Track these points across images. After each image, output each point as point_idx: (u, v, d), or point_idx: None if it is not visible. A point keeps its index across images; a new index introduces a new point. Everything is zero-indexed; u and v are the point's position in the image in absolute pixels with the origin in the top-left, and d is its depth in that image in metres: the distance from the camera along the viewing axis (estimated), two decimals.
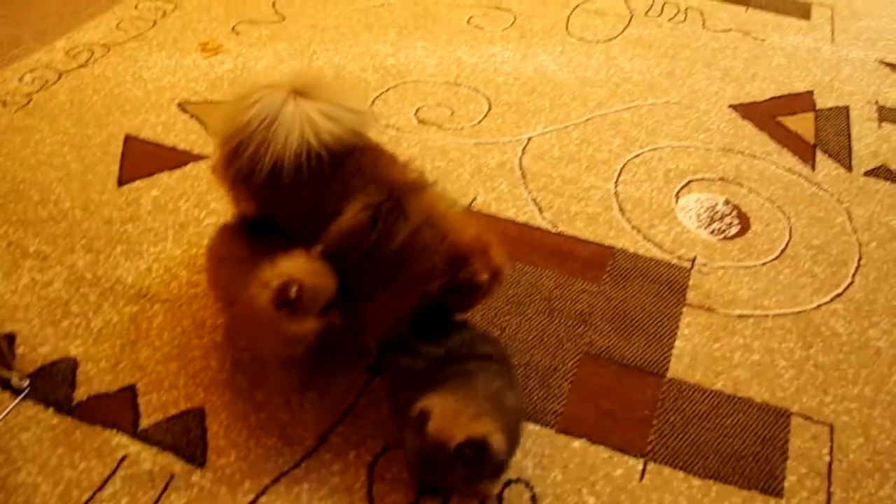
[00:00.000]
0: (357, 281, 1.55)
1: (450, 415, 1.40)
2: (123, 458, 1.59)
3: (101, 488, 1.54)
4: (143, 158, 2.39)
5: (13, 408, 1.68)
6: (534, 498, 1.57)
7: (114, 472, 1.57)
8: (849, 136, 2.70)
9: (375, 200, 1.55)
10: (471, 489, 1.56)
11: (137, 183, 2.29)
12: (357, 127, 1.68)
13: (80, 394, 1.71)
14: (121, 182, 2.30)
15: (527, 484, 1.59)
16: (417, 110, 2.67)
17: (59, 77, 2.78)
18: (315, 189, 1.61)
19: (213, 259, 1.76)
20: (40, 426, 1.65)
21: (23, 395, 1.70)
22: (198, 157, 2.40)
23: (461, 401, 1.42)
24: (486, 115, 2.67)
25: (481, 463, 1.41)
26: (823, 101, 2.88)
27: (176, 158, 2.39)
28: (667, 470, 1.63)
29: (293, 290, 1.42)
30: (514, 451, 1.52)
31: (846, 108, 2.85)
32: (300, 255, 1.49)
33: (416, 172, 1.67)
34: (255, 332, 1.57)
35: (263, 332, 1.53)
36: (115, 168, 2.35)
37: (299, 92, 1.64)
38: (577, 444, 1.67)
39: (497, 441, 1.38)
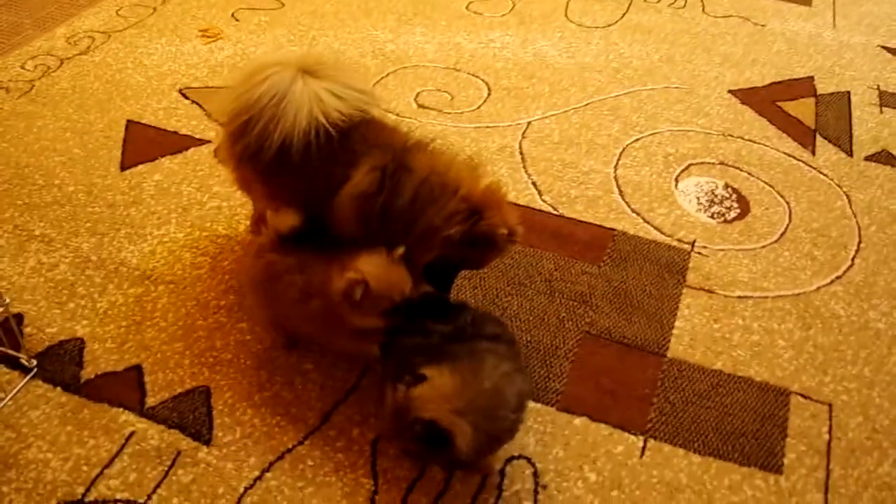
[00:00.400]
0: (378, 243, 1.57)
1: (438, 392, 1.37)
2: (131, 435, 1.61)
3: (109, 464, 1.56)
4: (145, 143, 2.41)
5: (22, 387, 1.70)
6: (535, 474, 1.59)
7: (122, 449, 1.59)
8: (850, 121, 2.71)
9: (380, 163, 1.58)
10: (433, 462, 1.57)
11: (140, 167, 2.31)
12: (363, 106, 1.69)
13: (88, 373, 1.73)
14: (123, 167, 2.31)
15: (528, 460, 1.61)
16: (417, 95, 2.68)
17: (61, 64, 2.79)
18: (323, 163, 1.63)
19: (256, 277, 1.71)
20: (49, 404, 1.67)
21: (31, 374, 1.72)
22: (199, 142, 2.41)
23: (461, 387, 1.38)
24: (485, 100, 2.68)
25: (432, 448, 1.39)
26: (824, 87, 2.89)
27: (178, 143, 2.41)
28: (667, 447, 1.66)
29: (358, 290, 1.47)
30: (491, 450, 1.53)
31: (847, 94, 2.86)
32: (379, 256, 1.53)
33: (419, 137, 1.69)
34: (327, 321, 1.59)
35: (334, 323, 1.57)
36: (118, 153, 2.37)
37: (307, 71, 1.65)
38: (578, 421, 1.69)
39: (463, 443, 1.34)
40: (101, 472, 1.55)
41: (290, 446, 1.62)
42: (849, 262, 2.14)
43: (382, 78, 2.77)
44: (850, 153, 2.55)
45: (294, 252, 1.63)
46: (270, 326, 1.80)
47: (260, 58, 1.70)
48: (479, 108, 2.64)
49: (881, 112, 2.77)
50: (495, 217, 1.55)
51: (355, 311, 1.51)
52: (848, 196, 2.37)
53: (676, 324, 1.92)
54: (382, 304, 1.51)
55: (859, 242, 2.20)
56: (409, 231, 1.57)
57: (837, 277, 2.09)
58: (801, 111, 2.74)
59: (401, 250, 1.54)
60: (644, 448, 1.65)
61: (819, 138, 2.61)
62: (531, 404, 1.69)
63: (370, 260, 1.51)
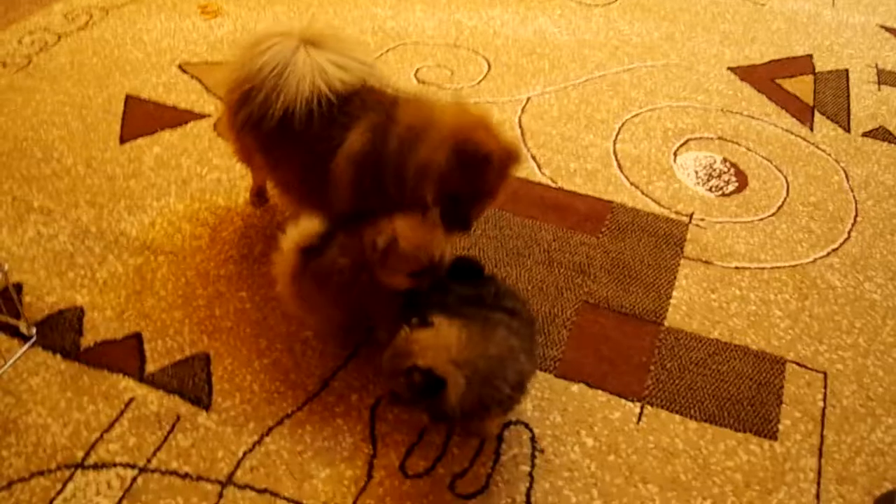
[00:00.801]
0: (382, 201, 1.58)
1: (441, 341, 1.35)
2: (130, 401, 1.63)
3: (109, 428, 1.57)
4: (144, 117, 2.41)
5: (22, 354, 1.71)
6: (533, 439, 1.60)
7: (121, 414, 1.60)
8: (848, 98, 2.72)
9: (373, 123, 1.60)
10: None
11: (139, 141, 2.31)
12: (365, 77, 1.70)
13: (87, 340, 1.74)
14: (122, 140, 2.31)
15: (526, 425, 1.62)
16: (417, 71, 2.68)
17: (59, 39, 2.79)
18: (323, 127, 1.64)
19: (304, 293, 1.63)
20: (49, 371, 1.68)
21: (31, 342, 1.73)
22: (199, 116, 2.41)
23: (466, 344, 1.36)
24: (485, 76, 2.68)
25: (421, 394, 1.34)
26: (823, 65, 2.89)
27: (177, 117, 2.41)
28: (663, 413, 1.67)
29: (381, 240, 1.49)
30: (480, 415, 1.48)
31: (846, 71, 2.86)
32: (412, 218, 1.54)
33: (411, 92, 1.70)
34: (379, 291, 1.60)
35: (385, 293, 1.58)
36: (117, 126, 2.37)
37: (309, 41, 1.66)
38: (575, 388, 1.70)
39: (454, 394, 1.32)
40: (101, 437, 1.56)
41: (289, 412, 1.63)
42: (845, 235, 2.14)
43: (382, 54, 2.77)
44: (847, 129, 2.56)
45: (328, 246, 1.61)
46: (330, 331, 1.78)
47: (261, 29, 1.70)
48: (478, 83, 2.64)
49: (879, 90, 2.78)
50: (480, 135, 1.54)
51: (384, 269, 1.52)
52: (845, 171, 2.37)
53: (674, 293, 1.93)
54: (411, 264, 1.52)
55: (856, 216, 2.21)
56: (402, 178, 1.57)
57: (834, 250, 2.10)
58: (799, 88, 2.74)
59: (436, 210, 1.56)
60: (641, 414, 1.67)
61: (817, 115, 2.61)
62: None
63: (403, 220, 1.53)
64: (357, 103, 1.64)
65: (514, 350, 1.43)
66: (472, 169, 1.54)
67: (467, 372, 1.34)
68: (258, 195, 2.10)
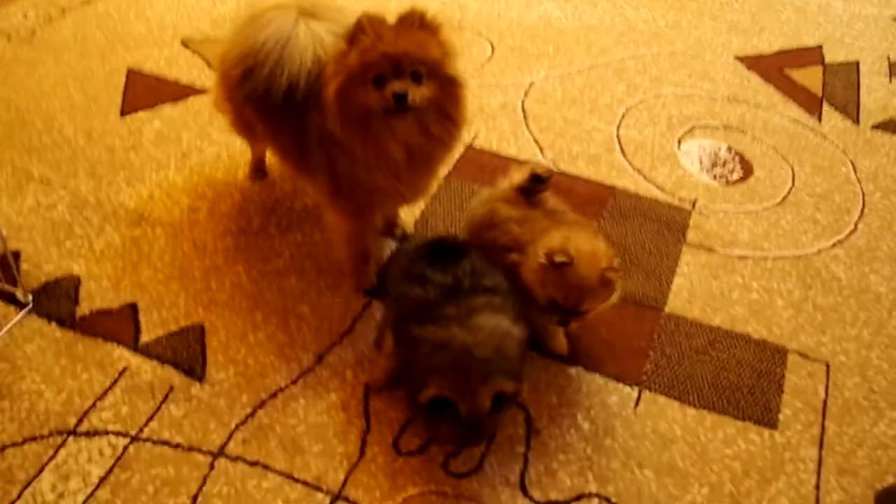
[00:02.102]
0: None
1: (465, 390, 1.34)
2: (124, 370, 1.62)
3: (102, 397, 1.57)
4: (145, 91, 2.39)
5: (18, 320, 1.70)
6: (528, 419, 1.59)
7: (115, 383, 1.59)
8: (858, 90, 2.69)
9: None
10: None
11: (140, 114, 2.30)
12: None
13: (83, 309, 1.73)
14: (123, 112, 2.30)
15: (521, 406, 1.61)
16: None
17: (63, 13, 2.77)
18: (319, 94, 1.59)
19: (476, 221, 1.76)
20: (44, 339, 1.67)
21: (27, 309, 1.72)
22: (200, 91, 2.40)
23: (466, 370, 1.36)
24: (489, 59, 2.66)
25: (507, 405, 1.39)
26: (833, 56, 2.86)
27: (178, 91, 2.39)
28: (661, 399, 1.65)
29: (558, 257, 1.46)
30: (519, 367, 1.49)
31: (856, 63, 2.83)
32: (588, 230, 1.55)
33: None
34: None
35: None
36: (118, 99, 2.36)
37: (307, 12, 1.63)
38: (573, 370, 1.69)
39: (508, 386, 1.36)
40: (94, 405, 1.55)
41: (282, 385, 1.62)
42: (851, 227, 2.12)
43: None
44: (856, 121, 2.53)
45: (519, 206, 1.66)
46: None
47: (258, 3, 1.68)
48: (482, 66, 2.62)
49: (890, 82, 2.74)
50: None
51: (542, 286, 1.51)
52: (853, 163, 2.35)
53: (675, 280, 1.91)
54: (572, 297, 1.50)
55: (863, 208, 2.19)
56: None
57: (839, 241, 2.07)
58: (808, 79, 2.71)
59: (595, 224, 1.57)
60: (638, 399, 1.65)
61: (826, 106, 2.58)
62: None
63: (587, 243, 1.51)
64: None
65: (505, 333, 1.43)
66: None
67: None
68: (257, 169, 2.09)
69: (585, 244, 1.50)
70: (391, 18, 1.48)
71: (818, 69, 2.77)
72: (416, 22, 1.48)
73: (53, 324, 1.70)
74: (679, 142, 2.36)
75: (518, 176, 1.71)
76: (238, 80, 1.68)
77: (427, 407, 1.35)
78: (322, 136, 1.57)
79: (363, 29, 1.46)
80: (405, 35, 1.47)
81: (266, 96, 1.62)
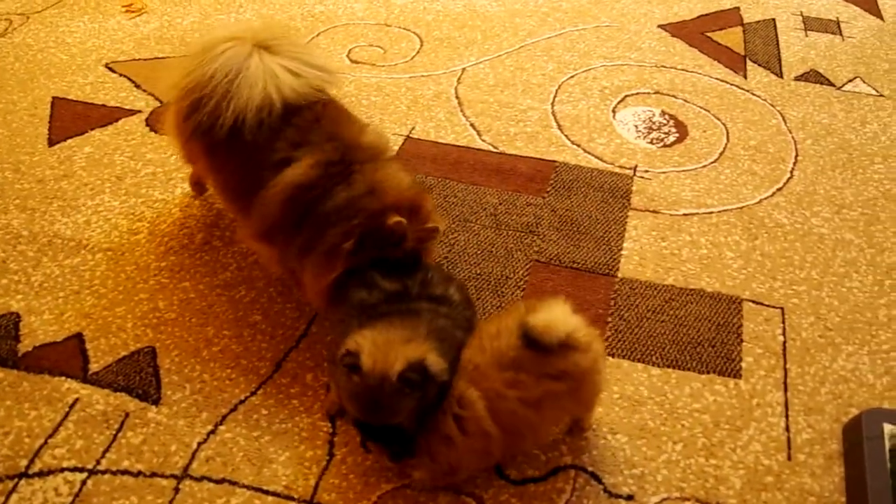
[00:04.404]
0: (295, 236, 1.51)
1: (381, 346, 1.29)
2: (75, 403, 1.55)
3: (53, 433, 1.50)
4: (72, 118, 2.32)
5: None
6: None
7: (66, 417, 1.53)
8: (777, 45, 2.75)
9: (325, 159, 1.51)
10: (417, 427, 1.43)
11: (69, 142, 2.23)
12: (321, 84, 1.63)
13: (25, 346, 1.66)
14: (51, 142, 2.23)
15: None
16: (349, 52, 2.64)
17: None
18: (268, 137, 1.56)
19: None
20: None
21: None
22: (130, 112, 2.33)
23: (390, 332, 1.32)
24: (418, 52, 2.65)
25: (426, 387, 1.30)
26: (750, 16, 2.93)
27: (107, 115, 2.33)
28: (626, 363, 1.65)
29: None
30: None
31: (773, 21, 2.90)
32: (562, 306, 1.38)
33: (375, 135, 1.62)
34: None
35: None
36: (44, 129, 2.28)
37: (263, 45, 1.59)
38: None
39: (435, 361, 1.29)
40: (45, 442, 1.49)
41: (242, 398, 1.57)
42: (788, 175, 2.16)
43: (313, 38, 2.71)
44: (780, 75, 2.59)
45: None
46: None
47: (215, 30, 1.62)
48: (412, 59, 2.61)
49: (806, 35, 2.82)
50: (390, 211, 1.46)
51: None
52: (782, 114, 2.40)
53: (625, 245, 1.92)
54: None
55: (796, 155, 2.24)
56: (317, 240, 1.49)
57: (778, 189, 2.11)
58: (730, 39, 2.77)
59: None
60: None
61: (749, 63, 2.64)
62: None
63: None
64: (310, 120, 1.57)
65: (444, 329, 1.38)
66: (385, 242, 1.47)
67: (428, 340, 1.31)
68: (197, 183, 2.03)
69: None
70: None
71: (738, 29, 2.84)
72: None
73: None
74: (614, 111, 2.38)
75: None
76: (186, 112, 1.62)
77: (340, 360, 1.30)
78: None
79: None
80: None
81: (210, 131, 1.57)
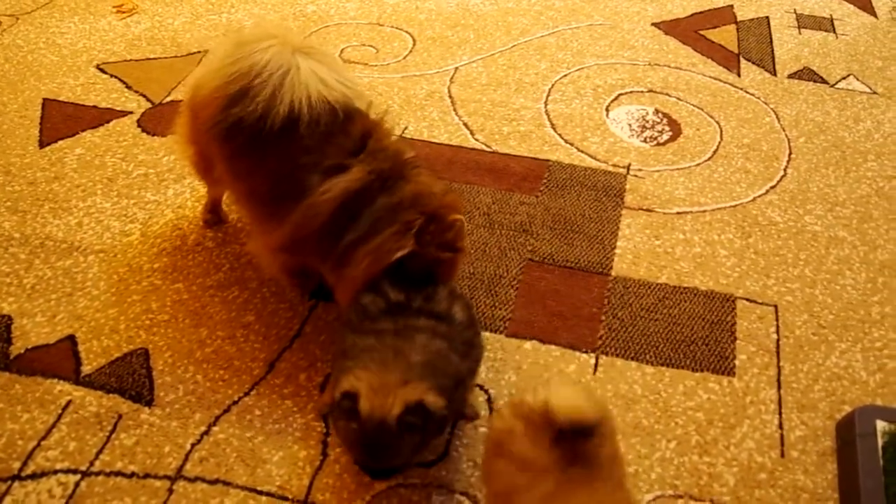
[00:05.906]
0: (339, 241, 1.50)
1: (378, 388, 1.26)
2: (68, 405, 1.55)
3: (46, 436, 1.49)
4: (63, 120, 2.31)
5: None
6: (489, 400, 1.58)
7: (59, 419, 1.52)
8: (771, 43, 2.76)
9: (381, 167, 1.50)
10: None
11: (60, 143, 2.21)
12: (353, 97, 1.59)
13: (17, 348, 1.66)
14: (42, 144, 2.22)
15: (481, 387, 1.59)
16: (342, 51, 2.63)
17: None
18: (317, 140, 1.52)
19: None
20: None
21: None
22: (121, 114, 2.32)
23: (386, 369, 1.29)
24: (411, 51, 2.64)
25: (427, 427, 1.27)
26: (744, 14, 2.93)
27: (98, 116, 2.32)
28: (619, 361, 1.66)
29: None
30: (455, 407, 1.38)
31: (766, 18, 2.91)
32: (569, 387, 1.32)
33: (410, 148, 1.60)
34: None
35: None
36: (35, 131, 2.27)
37: (300, 50, 1.55)
38: (528, 345, 1.68)
39: (433, 400, 1.26)
40: (38, 445, 1.48)
41: (235, 398, 1.57)
42: (781, 173, 2.17)
43: (306, 38, 2.70)
44: (773, 73, 2.59)
45: None
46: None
47: (245, 30, 1.58)
48: (404, 58, 2.60)
49: (800, 33, 2.83)
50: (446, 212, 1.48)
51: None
52: (775, 112, 2.40)
53: (618, 243, 1.92)
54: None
55: (790, 153, 2.24)
56: (364, 241, 1.49)
57: (772, 187, 2.11)
58: (723, 38, 2.77)
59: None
60: (596, 364, 1.65)
61: (743, 61, 2.65)
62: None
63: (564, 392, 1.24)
64: (359, 127, 1.54)
65: (439, 353, 1.35)
66: (435, 242, 1.48)
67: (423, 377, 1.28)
68: (212, 212, 1.96)
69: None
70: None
71: (732, 27, 2.84)
72: None
73: None
74: (607, 110, 2.38)
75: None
76: (224, 104, 1.54)
77: (337, 405, 1.28)
78: None
79: None
80: None
81: (253, 127, 1.51)
